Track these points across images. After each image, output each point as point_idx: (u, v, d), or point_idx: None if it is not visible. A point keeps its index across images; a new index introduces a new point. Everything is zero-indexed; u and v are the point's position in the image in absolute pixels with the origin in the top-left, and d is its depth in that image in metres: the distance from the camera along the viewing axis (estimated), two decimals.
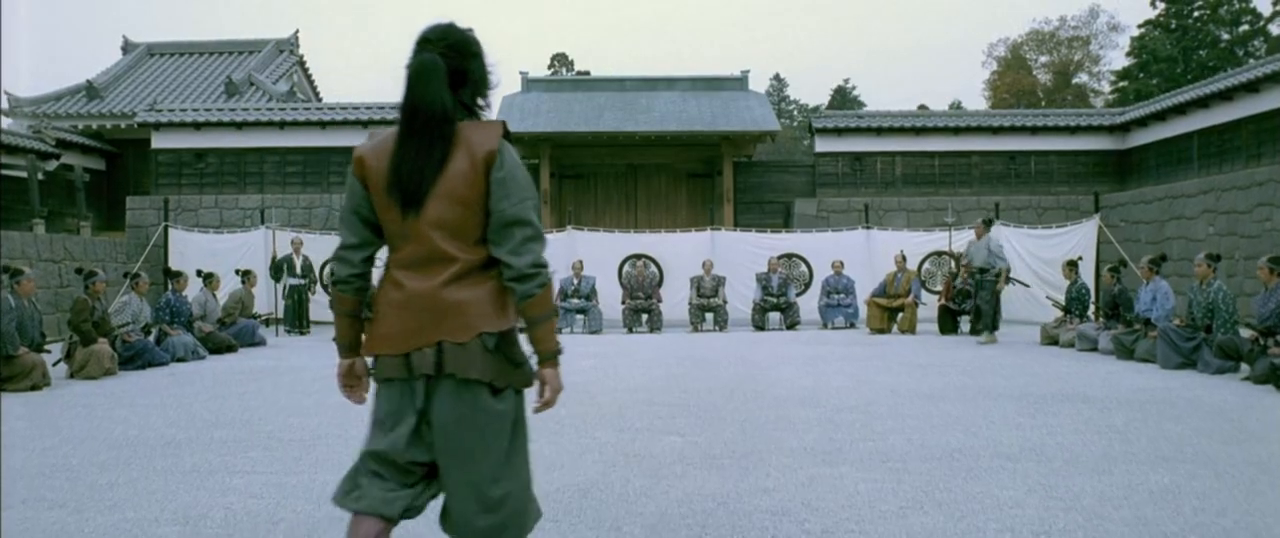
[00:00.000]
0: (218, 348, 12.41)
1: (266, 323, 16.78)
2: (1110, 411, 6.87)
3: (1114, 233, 16.73)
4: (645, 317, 17.09)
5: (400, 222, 2.51)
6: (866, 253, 18.22)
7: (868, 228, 18.59)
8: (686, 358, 11.89)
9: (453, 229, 2.49)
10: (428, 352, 2.50)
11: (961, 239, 17.64)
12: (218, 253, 16.99)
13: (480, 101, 2.60)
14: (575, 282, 17.05)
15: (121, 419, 6.89)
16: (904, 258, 15.91)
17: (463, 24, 2.60)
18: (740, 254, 18.29)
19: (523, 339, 2.62)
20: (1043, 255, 16.90)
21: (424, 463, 2.61)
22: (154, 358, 10.66)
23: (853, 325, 16.93)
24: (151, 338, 11.25)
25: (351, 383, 2.81)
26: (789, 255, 18.34)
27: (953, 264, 17.45)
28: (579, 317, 17.11)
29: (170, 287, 11.87)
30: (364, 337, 2.69)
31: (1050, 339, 12.51)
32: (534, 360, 2.68)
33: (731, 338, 15.35)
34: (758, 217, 23.38)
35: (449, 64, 2.49)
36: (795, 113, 62.68)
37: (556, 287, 17.08)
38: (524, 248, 2.51)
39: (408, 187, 2.47)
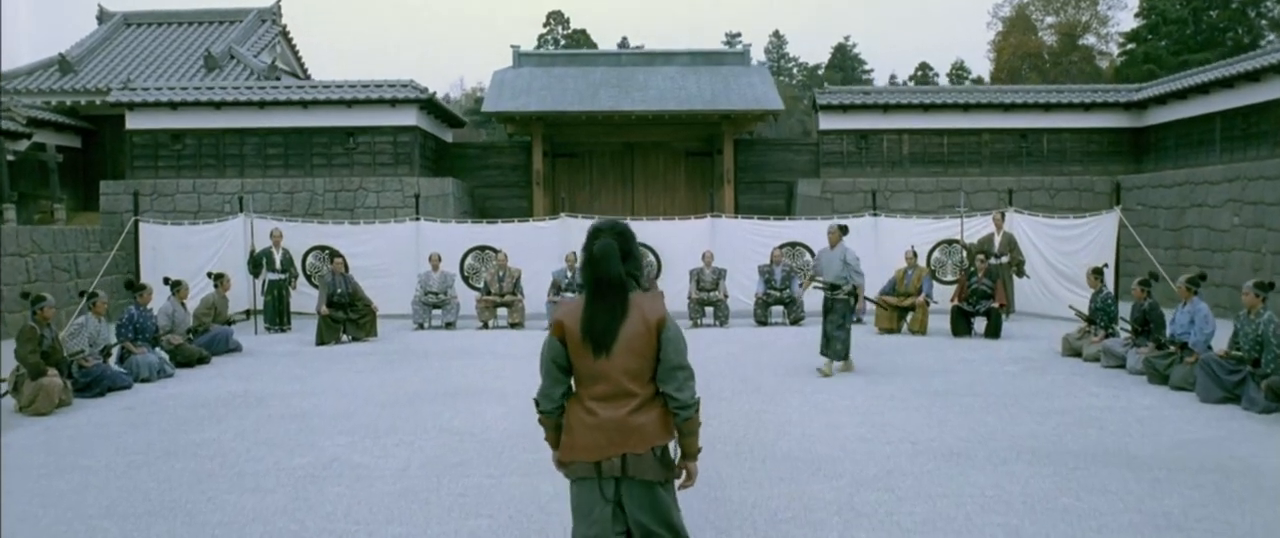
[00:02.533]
0: (188, 361, 11.65)
1: (247, 314, 16.05)
2: (1161, 486, 6.12)
3: (1129, 217, 15.93)
4: None
5: (592, 364, 3.47)
6: (873, 241, 17.42)
7: (875, 215, 17.77)
8: None
9: (633, 373, 3.48)
10: (615, 460, 3.49)
11: (973, 227, 16.87)
12: (192, 246, 16.18)
13: (637, 273, 3.54)
14: (569, 274, 16.28)
15: (39, 495, 6.15)
16: (914, 254, 15.12)
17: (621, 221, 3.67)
18: (741, 243, 17.51)
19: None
20: (1060, 248, 16.11)
21: (623, 531, 3.59)
22: (115, 382, 9.90)
23: (858, 321, 16.16)
24: (114, 358, 10.48)
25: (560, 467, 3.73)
26: (792, 244, 17.55)
27: (964, 256, 16.69)
28: None
29: (134, 301, 11.06)
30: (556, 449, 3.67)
31: (1072, 351, 11.76)
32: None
33: (733, 336, 14.64)
34: (759, 197, 22.57)
35: (619, 246, 3.47)
36: (795, 71, 61.50)
37: (549, 279, 16.34)
38: (685, 386, 3.55)
39: (598, 337, 3.43)
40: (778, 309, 16.54)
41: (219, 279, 13.35)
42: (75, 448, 7.43)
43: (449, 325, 16.17)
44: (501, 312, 16.50)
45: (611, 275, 3.42)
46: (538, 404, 3.63)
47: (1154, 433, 7.63)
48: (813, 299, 16.73)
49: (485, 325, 16.16)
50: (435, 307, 16.25)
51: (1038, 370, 10.79)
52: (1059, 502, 5.79)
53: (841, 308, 10.72)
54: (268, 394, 9.68)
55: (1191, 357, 9.28)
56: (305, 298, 16.63)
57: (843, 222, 11.02)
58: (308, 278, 17.34)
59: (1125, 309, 11.69)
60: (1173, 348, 9.65)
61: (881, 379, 10.30)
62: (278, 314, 15.89)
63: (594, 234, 3.53)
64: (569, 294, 16.19)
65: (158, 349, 11.16)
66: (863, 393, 9.48)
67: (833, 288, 10.75)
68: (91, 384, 9.59)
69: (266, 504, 5.90)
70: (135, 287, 11.14)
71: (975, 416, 8.33)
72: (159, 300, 12.00)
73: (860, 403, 8.93)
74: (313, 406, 9.02)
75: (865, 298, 11.18)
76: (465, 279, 17.44)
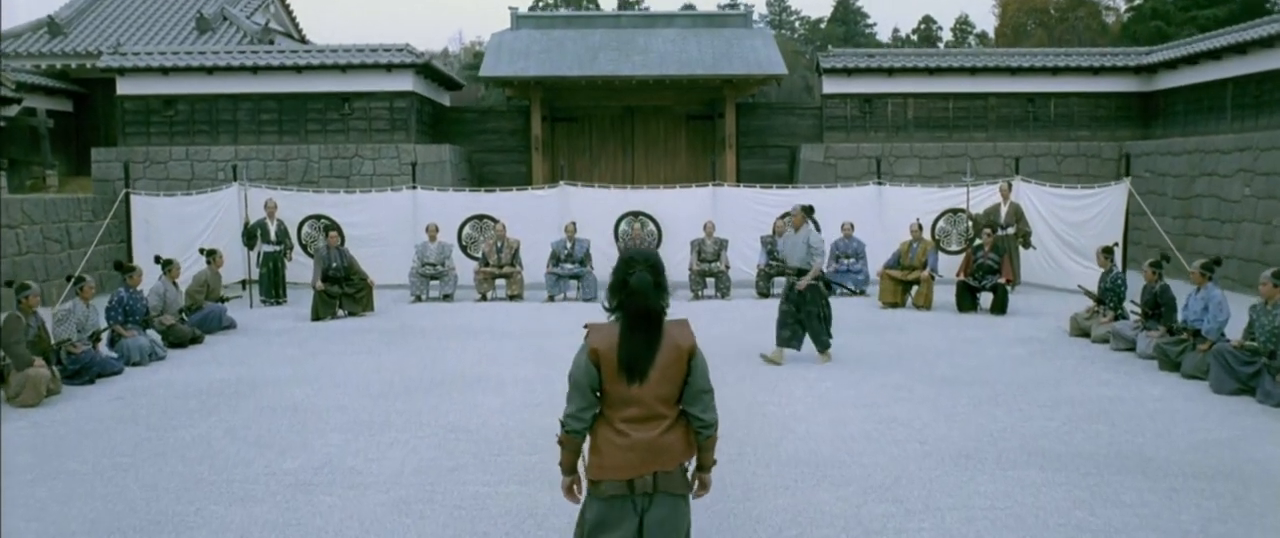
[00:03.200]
0: (180, 342, 11.45)
1: (243, 284, 15.85)
2: (1177, 497, 5.94)
3: (1137, 185, 15.65)
4: None
5: (625, 390, 3.61)
6: (877, 211, 17.19)
7: (879, 183, 17.48)
8: None
9: (664, 398, 3.66)
10: (647, 478, 3.65)
11: (980, 197, 16.60)
12: (186, 218, 15.91)
13: (666, 301, 3.66)
14: (568, 245, 16.07)
15: (23, 504, 5.98)
16: (920, 227, 14.86)
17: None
18: (743, 212, 17.25)
19: None
20: (1067, 218, 15.85)
21: None
22: (105, 368, 9.70)
23: (862, 292, 15.99)
24: (104, 341, 10.27)
25: (569, 492, 3.88)
26: None
27: (969, 226, 16.45)
28: (573, 283, 16.16)
29: (123, 282, 10.83)
30: (583, 466, 3.78)
31: (1081, 331, 11.56)
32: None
33: (735, 310, 14.49)
34: (762, 163, 22.26)
35: (653, 279, 3.58)
36: (796, 24, 60.71)
37: (548, 250, 16.11)
38: (709, 408, 3.77)
39: (636, 366, 3.57)
40: (780, 280, 16.31)
41: (211, 256, 13.11)
42: (61, 448, 7.25)
43: (447, 297, 15.97)
44: (500, 283, 16.29)
45: (652, 308, 3.57)
46: (565, 426, 3.70)
47: (1167, 430, 7.45)
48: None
49: (483, 297, 15.96)
50: (432, 278, 16.04)
51: (1045, 354, 10.59)
52: (1073, 517, 5.61)
53: (814, 294, 10.06)
54: (260, 381, 9.49)
55: (1204, 344, 9.06)
56: (301, 268, 16.41)
57: (807, 203, 10.43)
58: (303, 247, 17.11)
59: (1135, 288, 11.46)
60: (1185, 335, 9.43)
61: (886, 364, 10.10)
62: (273, 286, 15.69)
63: (628, 265, 3.63)
64: (568, 264, 15.99)
65: (149, 331, 10.96)
66: (867, 381, 9.29)
67: (799, 273, 10.08)
68: (80, 372, 9.40)
69: (255, 517, 5.72)
70: (124, 268, 10.89)
71: (983, 409, 8.14)
72: (150, 280, 11.77)
73: (866, 394, 8.74)
74: (306, 396, 8.83)
75: (831, 282, 10.55)
76: (463, 248, 17.21)
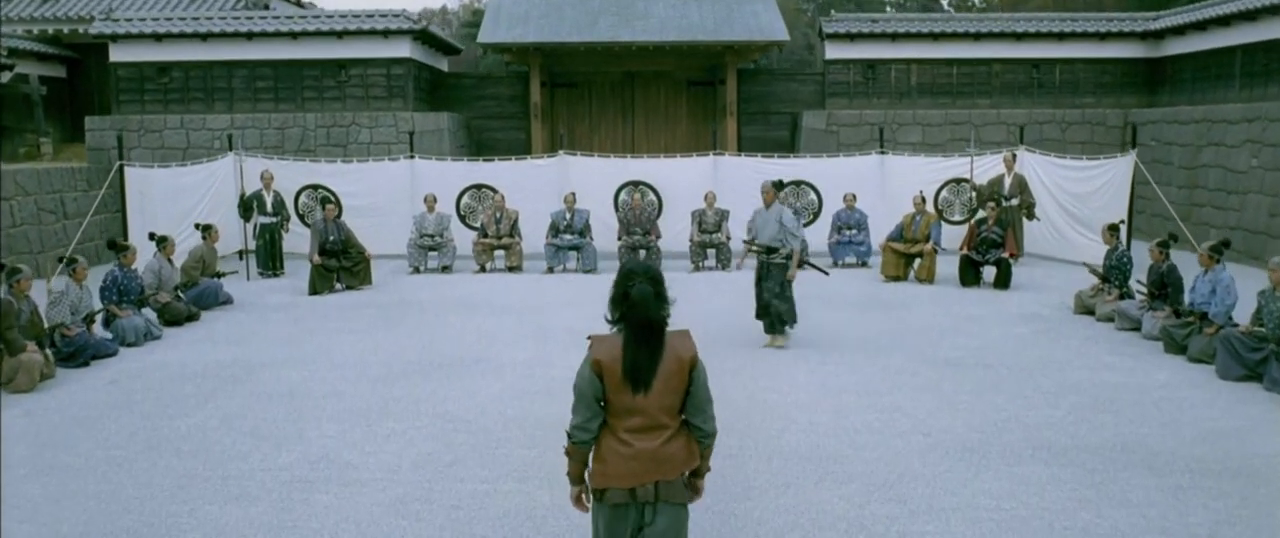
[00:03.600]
0: (176, 320, 11.35)
1: (240, 254, 15.75)
2: (1184, 495, 5.85)
3: (1142, 154, 15.46)
4: (643, 254, 16.01)
5: (629, 400, 3.63)
6: (880, 181, 17.02)
7: (882, 153, 17.28)
8: (679, 323, 10.84)
9: (667, 408, 3.68)
10: (649, 486, 3.69)
11: (983, 167, 16.42)
12: (181, 189, 15.74)
13: (668, 310, 3.67)
14: (568, 216, 15.92)
15: (15, 504, 5.90)
16: (923, 199, 14.69)
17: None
18: (745, 182, 17.01)
19: None
20: (1071, 190, 15.69)
21: None
22: (99, 350, 9.61)
23: (865, 264, 15.87)
24: (99, 322, 10.17)
25: (578, 501, 3.92)
26: (797, 183, 17.13)
27: (972, 197, 16.30)
28: (572, 254, 16.04)
29: (117, 262, 10.70)
30: (589, 473, 3.80)
31: (1085, 309, 11.45)
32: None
33: (735, 282, 14.35)
34: (763, 129, 22.03)
35: (654, 290, 3.59)
36: None
37: (547, 221, 15.97)
38: (710, 418, 3.79)
39: (639, 376, 3.59)
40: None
41: (207, 231, 12.95)
42: (55, 438, 7.16)
43: (445, 269, 15.85)
44: (499, 254, 16.17)
45: (654, 320, 3.60)
46: (572, 437, 3.74)
47: (1173, 419, 7.36)
48: (816, 235, 16.46)
49: (482, 268, 15.85)
50: (431, 249, 15.92)
51: (1049, 334, 10.48)
52: (1079, 518, 5.53)
53: (778, 273, 9.77)
54: (256, 363, 9.39)
55: (1211, 328, 8.96)
56: (298, 238, 16.28)
57: (778, 178, 10.12)
58: (300, 217, 16.97)
59: (1141, 266, 11.34)
60: (1192, 317, 9.32)
61: (889, 345, 10.00)
62: (270, 259, 15.58)
63: (628, 278, 3.65)
64: (567, 235, 15.85)
65: (144, 310, 10.85)
66: (870, 364, 9.20)
67: (769, 251, 9.78)
68: (74, 354, 9.30)
69: (250, 517, 5.65)
70: (118, 247, 10.75)
71: (986, 397, 8.04)
72: (144, 257, 11.64)
73: (868, 379, 8.65)
74: (302, 380, 8.74)
75: (807, 262, 10.13)
76: (462, 218, 17.07)
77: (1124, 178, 14.62)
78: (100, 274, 11.42)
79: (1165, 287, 10.15)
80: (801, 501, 5.83)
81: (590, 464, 3.79)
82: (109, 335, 10.14)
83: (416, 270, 15.77)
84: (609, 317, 3.69)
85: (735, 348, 9.82)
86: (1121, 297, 10.99)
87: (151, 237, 12.03)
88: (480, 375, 8.84)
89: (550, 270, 15.78)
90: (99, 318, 10.15)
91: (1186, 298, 9.77)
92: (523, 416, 7.57)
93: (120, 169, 14.33)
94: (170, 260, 11.73)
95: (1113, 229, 11.44)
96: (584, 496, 3.88)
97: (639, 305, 3.57)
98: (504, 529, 5.48)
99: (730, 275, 15.30)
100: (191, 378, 8.90)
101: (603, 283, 14.62)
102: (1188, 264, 10.78)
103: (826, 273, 10.18)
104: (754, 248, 10.01)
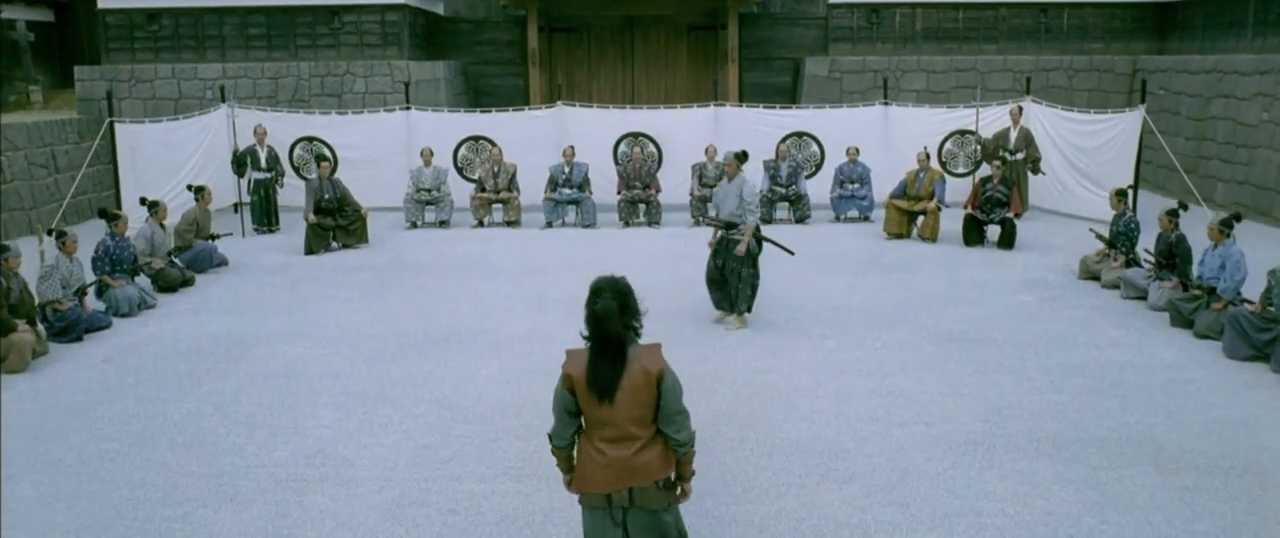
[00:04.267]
0: (171, 285, 11.22)
1: (235, 207, 15.60)
2: (1190, 497, 5.77)
3: (1150, 103, 15.13)
4: (643, 208, 15.85)
5: (598, 411, 3.88)
6: (883, 132, 16.76)
7: (886, 103, 16.97)
8: (680, 284, 10.89)
9: (637, 419, 3.89)
10: (624, 493, 3.96)
11: (989, 118, 16.14)
12: (173, 144, 15.47)
13: (636, 324, 3.90)
14: (566, 170, 15.70)
15: (5, 509, 5.82)
16: (928, 155, 14.44)
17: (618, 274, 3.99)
18: (746, 134, 16.73)
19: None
20: (1078, 143, 15.43)
21: None
22: (93, 323, 9.49)
23: (867, 218, 15.69)
24: (92, 293, 10.02)
25: (571, 486, 4.17)
26: (799, 134, 16.87)
27: (978, 150, 16.06)
28: (571, 208, 15.86)
29: (108, 230, 10.52)
30: (570, 478, 4.14)
31: (1090, 274, 11.30)
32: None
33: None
34: (764, 75, 21.66)
35: (618, 304, 3.81)
36: None
37: (546, 174, 15.76)
38: (683, 427, 3.98)
39: (602, 387, 3.83)
40: (782, 206, 16.02)
41: (200, 192, 12.74)
42: (47, 428, 7.05)
43: (443, 223, 15.69)
44: (497, 208, 15.99)
45: (611, 334, 3.79)
46: (551, 442, 4.09)
47: (1180, 407, 7.25)
48: (819, 187, 16.27)
49: (480, 223, 15.69)
50: (428, 204, 15.73)
51: (1054, 303, 10.35)
52: (1084, 523, 5.46)
53: (742, 256, 9.28)
54: (251, 338, 9.27)
55: (1219, 304, 8.83)
56: (294, 191, 16.09)
57: (741, 149, 9.63)
58: (296, 170, 16.75)
59: (1148, 221, 11.16)
60: (1199, 291, 9.18)
61: (891, 316, 9.86)
62: (265, 215, 15.40)
63: (595, 293, 3.86)
64: (566, 190, 15.65)
65: (138, 278, 10.72)
66: (872, 339, 9.08)
67: (729, 226, 9.35)
68: (67, 329, 9.19)
69: (244, 522, 5.57)
70: (110, 216, 10.56)
71: (990, 378, 7.94)
72: (137, 223, 11.48)
73: (870, 357, 8.53)
74: (298, 358, 8.63)
75: (769, 240, 9.63)
76: (459, 170, 16.85)
77: (1132, 133, 14.37)
78: (93, 233, 11.28)
79: (1173, 257, 9.99)
80: (802, 504, 5.75)
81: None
82: (102, 307, 10.02)
83: (413, 226, 15.61)
84: (583, 333, 3.90)
85: (720, 338, 9.66)
86: (1128, 264, 10.83)
87: (143, 201, 11.84)
88: (477, 353, 8.73)
89: (548, 226, 15.62)
90: (92, 290, 10.00)
91: (1195, 271, 9.61)
92: (520, 401, 7.47)
93: (111, 125, 14.05)
94: (163, 225, 11.54)
95: (1120, 195, 11.23)
96: (574, 484, 4.15)
97: (601, 321, 3.79)
98: (503, 533, 5.41)
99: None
100: (185, 356, 8.79)
101: (602, 238, 14.73)
102: (1195, 224, 10.62)
103: (792, 253, 9.80)
104: (715, 223, 9.61)
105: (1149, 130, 14.64)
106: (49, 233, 9.76)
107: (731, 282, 9.46)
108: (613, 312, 3.78)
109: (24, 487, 6.08)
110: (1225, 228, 8.99)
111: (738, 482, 6.03)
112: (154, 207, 11.53)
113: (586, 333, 3.88)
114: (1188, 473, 6.11)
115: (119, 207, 14.00)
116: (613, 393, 3.83)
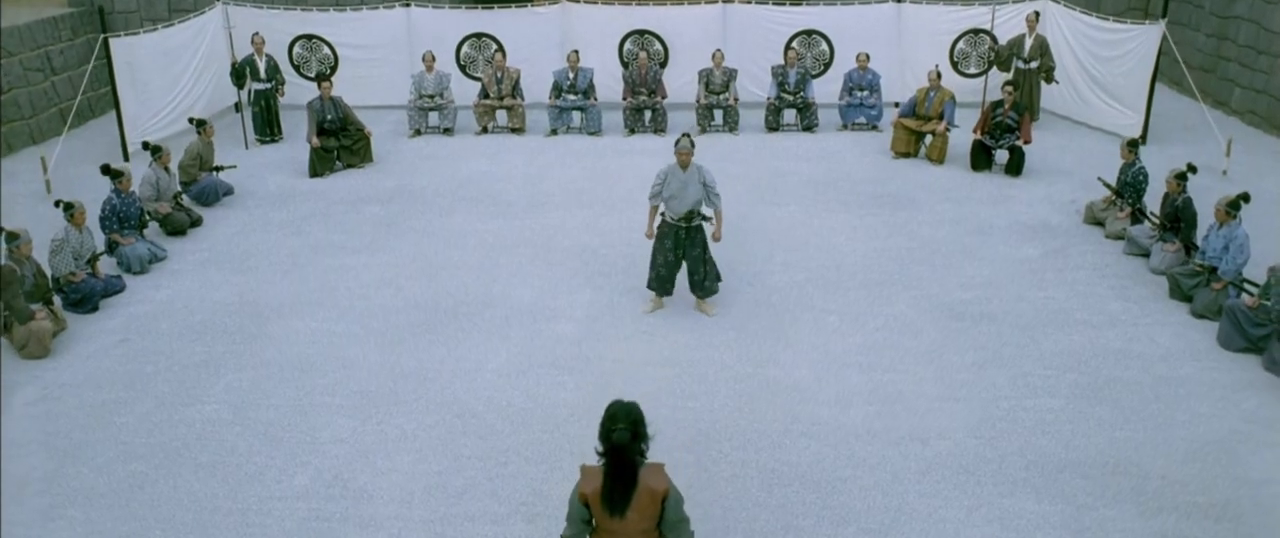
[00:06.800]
0: (179, 230, 11.30)
1: (236, 107, 15.52)
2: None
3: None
4: (649, 115, 15.69)
5: (609, 521, 4.40)
6: (896, 34, 16.37)
7: (899, 0, 16.45)
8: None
9: (644, 530, 4.45)
10: None
11: (1005, 18, 15.70)
12: (171, 51, 15.15)
13: (644, 448, 4.40)
14: (571, 76, 15.47)
15: None
16: (939, 75, 14.13)
17: (628, 398, 4.52)
18: (755, 33, 16.45)
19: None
20: (1095, 52, 15.05)
21: None
22: (108, 289, 9.65)
23: (875, 128, 15.53)
24: (101, 248, 10.12)
25: None
26: (809, 32, 16.46)
27: (991, 53, 15.72)
28: (577, 114, 15.71)
29: (113, 187, 10.52)
30: None
31: (1094, 221, 11.32)
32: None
33: (742, 150, 14.48)
34: None
35: (631, 433, 4.31)
36: None
37: (550, 80, 15.53)
38: (684, 534, 4.55)
39: (614, 505, 4.35)
40: (790, 113, 15.83)
41: (201, 126, 12.61)
42: (72, 441, 7.31)
43: (447, 131, 15.59)
44: (501, 115, 15.83)
45: (628, 462, 4.33)
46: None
47: (1167, 420, 7.46)
48: (827, 90, 16.03)
49: (484, 129, 15.58)
50: (431, 109, 15.57)
51: (1057, 261, 10.39)
52: None
53: (700, 236, 8.92)
54: (262, 310, 9.42)
55: (1218, 283, 8.92)
56: (297, 90, 15.93)
57: (686, 133, 9.06)
58: (295, 68, 16.50)
59: (1156, 195, 11.06)
60: (1199, 267, 9.24)
61: (893, 280, 9.96)
62: (267, 124, 15.28)
63: (612, 421, 4.35)
64: (571, 96, 15.44)
65: (145, 233, 10.79)
66: (872, 314, 9.24)
67: (688, 217, 8.78)
68: (83, 300, 9.35)
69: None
70: (113, 172, 10.52)
71: (987, 374, 8.14)
72: (140, 169, 11.46)
73: (870, 343, 8.70)
74: (310, 340, 8.83)
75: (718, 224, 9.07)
76: (462, 68, 16.58)
77: (1150, 47, 14.03)
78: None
79: (1178, 220, 9.99)
80: (804, 505, 6.06)
81: None
82: (116, 270, 10.15)
83: (417, 133, 15.53)
84: (597, 450, 4.41)
85: (742, 285, 9.77)
86: (1134, 215, 10.83)
87: (145, 146, 11.80)
88: (485, 336, 8.88)
89: (553, 133, 15.52)
90: (102, 244, 10.12)
91: (1198, 242, 9.64)
92: (528, 403, 7.72)
93: (105, 42, 13.74)
94: (166, 169, 11.51)
95: (1131, 145, 11.09)
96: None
97: (617, 451, 4.31)
98: None
99: (737, 140, 15.13)
100: (200, 334, 8.97)
101: (608, 149, 14.71)
102: (1203, 190, 10.54)
103: (717, 239, 9.16)
104: (676, 224, 8.84)
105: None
106: (56, 205, 9.76)
107: (695, 270, 9.01)
108: (627, 442, 4.31)
109: (61, 528, 6.38)
110: (1232, 209, 8.96)
111: (739, 524, 6.31)
112: (156, 151, 11.47)
113: (600, 450, 4.40)
114: (1168, 515, 6.38)
115: (120, 126, 13.95)
116: (624, 510, 4.38)
